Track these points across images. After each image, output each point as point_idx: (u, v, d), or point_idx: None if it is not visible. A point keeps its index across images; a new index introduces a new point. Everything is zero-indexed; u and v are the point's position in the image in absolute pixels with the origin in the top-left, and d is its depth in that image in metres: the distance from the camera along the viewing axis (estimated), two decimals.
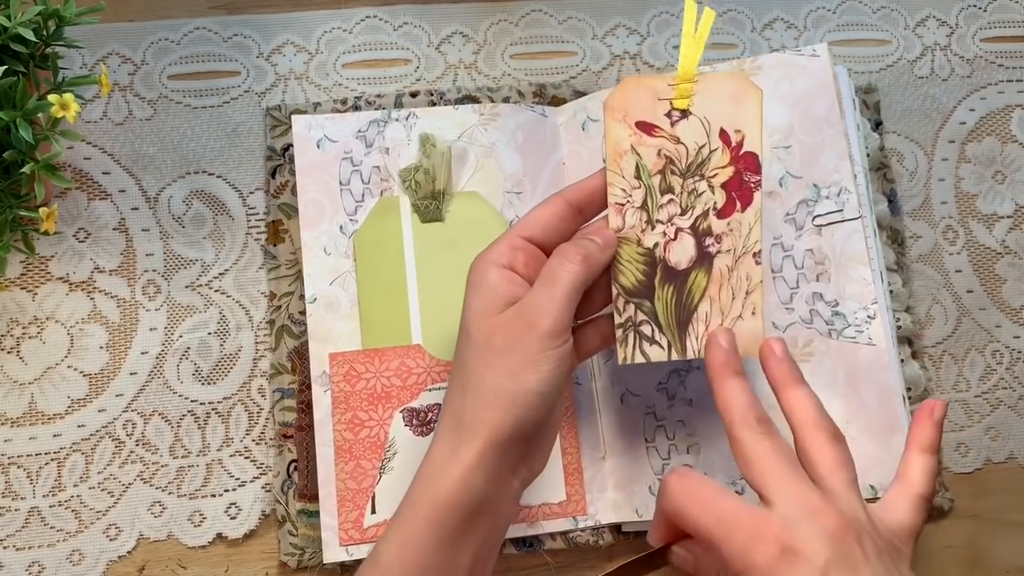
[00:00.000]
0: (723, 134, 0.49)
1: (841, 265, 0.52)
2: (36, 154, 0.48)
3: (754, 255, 0.48)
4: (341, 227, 0.57)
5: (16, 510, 0.53)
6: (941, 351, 0.62)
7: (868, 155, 0.61)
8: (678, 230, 0.49)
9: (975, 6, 0.68)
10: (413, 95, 0.60)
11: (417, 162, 0.58)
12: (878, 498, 0.49)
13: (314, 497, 0.54)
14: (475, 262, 0.47)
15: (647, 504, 0.55)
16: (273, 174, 0.59)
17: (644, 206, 0.49)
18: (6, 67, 0.47)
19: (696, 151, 0.49)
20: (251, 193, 0.59)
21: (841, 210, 0.53)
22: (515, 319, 0.44)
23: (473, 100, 0.61)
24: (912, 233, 0.63)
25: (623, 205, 0.49)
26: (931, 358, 0.62)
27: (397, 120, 0.59)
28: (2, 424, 0.54)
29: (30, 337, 0.56)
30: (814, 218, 0.53)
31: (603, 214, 0.49)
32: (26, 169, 0.48)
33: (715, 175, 0.49)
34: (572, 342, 0.45)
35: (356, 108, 0.60)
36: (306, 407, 0.55)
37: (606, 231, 0.48)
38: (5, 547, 0.53)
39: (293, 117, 0.58)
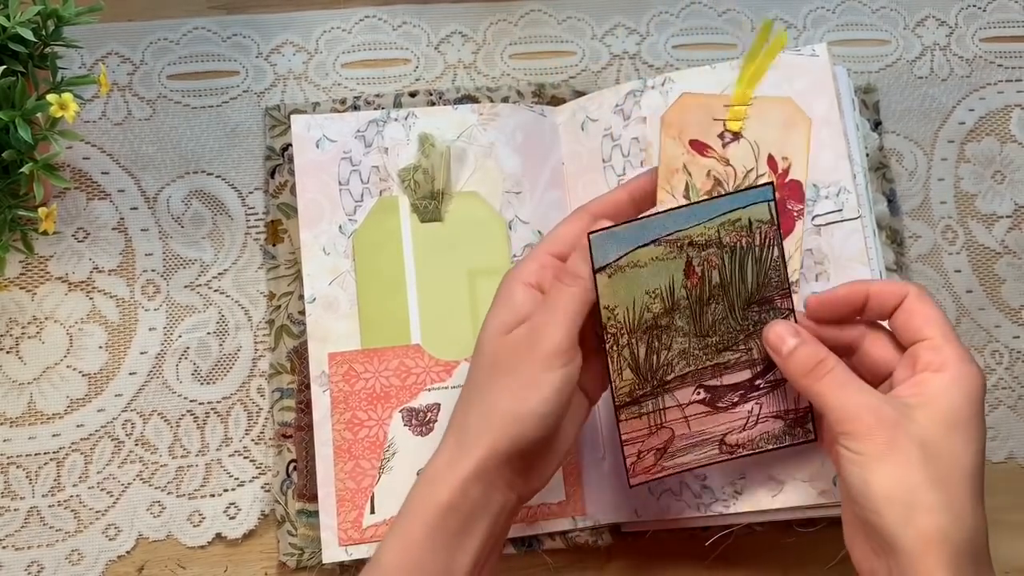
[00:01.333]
0: (771, 160, 0.49)
1: (840, 265, 0.52)
2: (35, 154, 0.48)
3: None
4: (340, 227, 0.57)
5: (15, 510, 0.53)
6: None
7: (867, 155, 0.61)
8: None
9: (975, 6, 0.68)
10: (412, 95, 0.60)
11: (416, 162, 0.58)
12: None
13: (313, 497, 0.54)
14: (504, 278, 0.48)
15: (646, 505, 0.54)
16: (272, 174, 0.59)
17: None
18: (5, 67, 0.47)
19: (744, 175, 0.49)
20: (250, 193, 0.59)
21: (840, 210, 0.53)
22: (521, 340, 0.45)
23: (472, 100, 0.61)
24: (911, 233, 0.63)
25: None
26: None
27: (396, 120, 0.59)
28: (1, 424, 0.54)
29: (29, 337, 0.56)
30: (813, 218, 0.53)
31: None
32: (25, 169, 0.47)
33: None
34: (579, 362, 0.45)
35: (355, 108, 0.60)
36: (305, 407, 0.55)
37: None
38: (4, 547, 0.53)
39: (292, 117, 0.58)
